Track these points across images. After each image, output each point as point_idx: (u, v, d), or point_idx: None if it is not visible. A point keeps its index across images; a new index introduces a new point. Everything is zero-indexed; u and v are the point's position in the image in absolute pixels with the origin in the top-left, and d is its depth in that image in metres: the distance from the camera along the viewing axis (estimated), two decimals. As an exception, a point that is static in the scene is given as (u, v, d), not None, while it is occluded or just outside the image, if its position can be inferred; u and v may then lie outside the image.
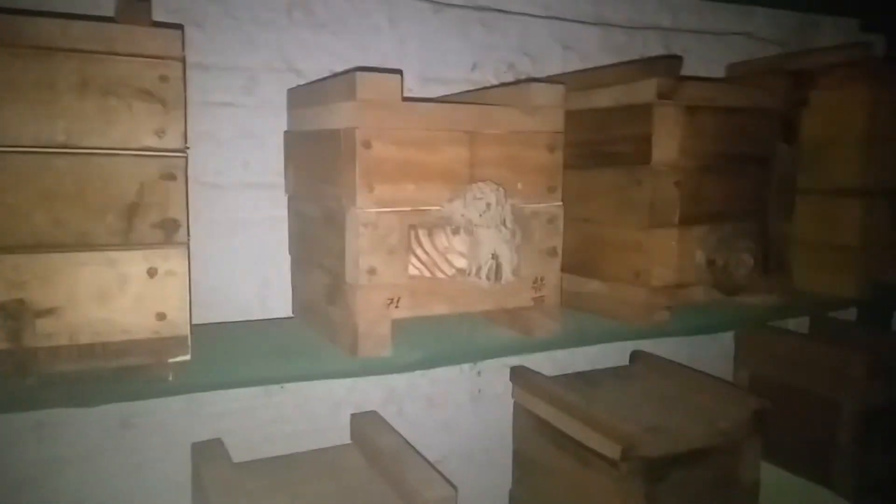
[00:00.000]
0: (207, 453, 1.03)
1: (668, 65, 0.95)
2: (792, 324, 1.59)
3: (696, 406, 1.21)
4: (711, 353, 1.57)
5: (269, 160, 1.11)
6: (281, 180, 1.11)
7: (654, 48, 1.41)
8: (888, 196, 1.19)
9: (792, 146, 1.08)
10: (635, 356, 1.41)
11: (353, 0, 1.15)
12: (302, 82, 1.11)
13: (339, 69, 1.14)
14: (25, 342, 0.71)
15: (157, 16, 1.01)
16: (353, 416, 1.19)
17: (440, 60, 1.23)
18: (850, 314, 1.60)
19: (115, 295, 0.74)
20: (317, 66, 1.13)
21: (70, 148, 0.71)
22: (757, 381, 1.49)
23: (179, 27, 0.74)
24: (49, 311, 0.72)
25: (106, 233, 0.73)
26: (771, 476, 1.32)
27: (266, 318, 1.14)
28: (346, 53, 1.15)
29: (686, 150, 0.99)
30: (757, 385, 1.48)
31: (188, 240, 0.77)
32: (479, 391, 1.37)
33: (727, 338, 1.57)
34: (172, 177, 0.74)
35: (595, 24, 1.35)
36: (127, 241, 0.74)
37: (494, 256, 0.85)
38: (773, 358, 1.45)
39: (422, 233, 0.86)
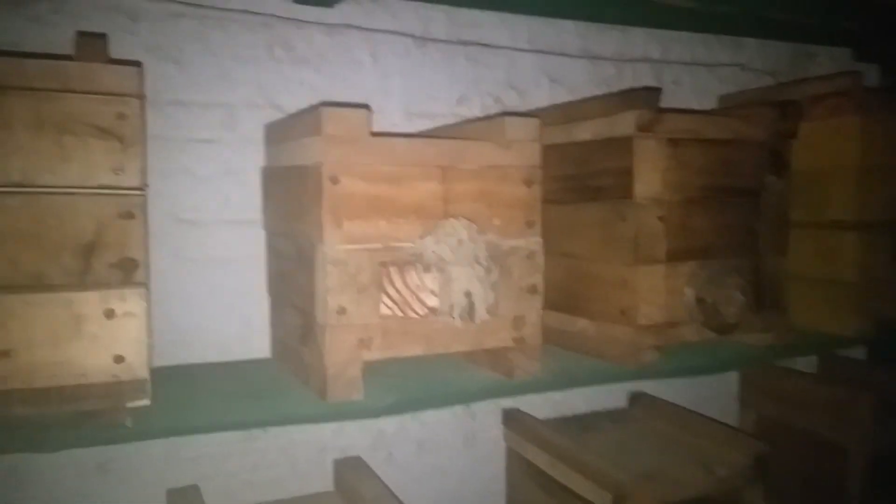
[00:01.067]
0: (182, 501, 1.00)
1: (646, 97, 0.92)
2: (800, 363, 1.53)
3: (695, 451, 1.16)
4: (717, 393, 1.51)
5: (250, 196, 1.10)
6: (260, 217, 1.09)
7: (644, 80, 1.39)
8: (885, 228, 1.15)
9: (782, 178, 1.05)
10: (634, 398, 1.36)
11: (334, 35, 1.14)
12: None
13: (321, 105, 1.13)
14: (-24, 386, 0.68)
15: (136, 54, 1.01)
16: (336, 461, 1.15)
17: (425, 95, 1.22)
18: (861, 352, 1.54)
19: (71, 337, 0.72)
20: (298, 102, 1.12)
21: (25, 186, 0.69)
22: (763, 422, 1.43)
23: (138, 64, 0.73)
24: (3, 354, 0.70)
25: (62, 273, 0.71)
26: (778, 524, 1.25)
27: (247, 358, 1.11)
28: (328, 89, 1.14)
29: (670, 183, 0.96)
30: (763, 427, 1.42)
31: (147, 280, 0.74)
32: (473, 435, 1.32)
33: (733, 378, 1.52)
34: (131, 215, 0.73)
35: (582, 57, 1.34)
36: (83, 281, 0.72)
37: (467, 295, 0.82)
38: (780, 399, 1.40)
39: (393, 270, 0.83)
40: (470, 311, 0.82)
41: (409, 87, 1.20)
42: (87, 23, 0.99)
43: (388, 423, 1.25)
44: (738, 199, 1.03)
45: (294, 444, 1.18)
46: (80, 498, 1.04)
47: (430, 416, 1.28)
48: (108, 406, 0.74)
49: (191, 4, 1.04)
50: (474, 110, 1.25)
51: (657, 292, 0.96)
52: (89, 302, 0.72)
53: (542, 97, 1.29)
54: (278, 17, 1.10)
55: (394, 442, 1.26)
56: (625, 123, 0.92)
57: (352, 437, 1.22)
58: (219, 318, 1.10)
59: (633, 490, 0.99)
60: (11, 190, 0.69)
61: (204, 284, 1.09)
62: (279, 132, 1.00)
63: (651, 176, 0.94)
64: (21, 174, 0.69)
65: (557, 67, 1.32)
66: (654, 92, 0.93)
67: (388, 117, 1.18)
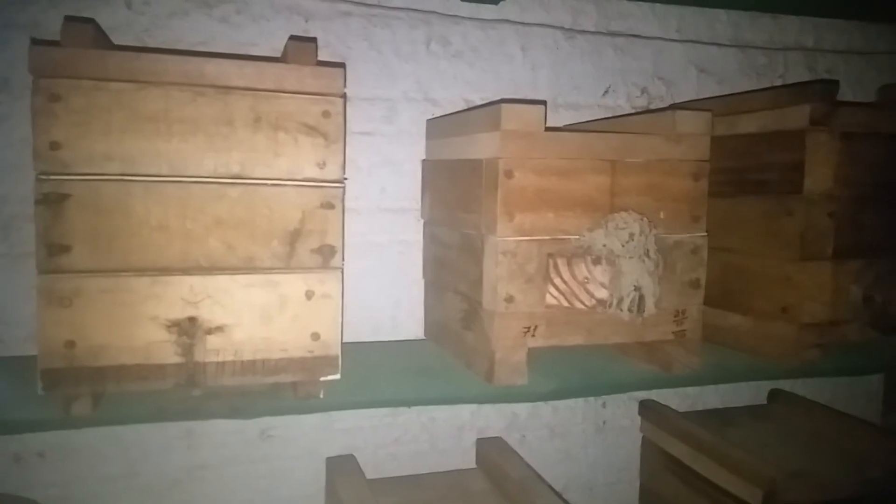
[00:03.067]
0: (342, 468, 1.07)
1: (822, 89, 0.90)
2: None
3: (843, 451, 1.13)
4: (855, 393, 1.47)
5: (405, 186, 1.15)
6: (413, 205, 1.15)
7: (797, 70, 1.35)
8: None
9: (962, 175, 1.00)
10: (774, 395, 1.33)
11: (488, 30, 1.17)
12: (437, 111, 1.14)
13: (472, 98, 1.17)
14: (196, 357, 0.77)
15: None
16: (479, 440, 1.20)
17: (571, 86, 1.23)
18: None
19: (276, 315, 0.79)
20: (451, 95, 1.16)
21: (243, 178, 0.76)
22: (910, 426, 1.37)
23: (342, 66, 0.78)
24: (218, 329, 0.77)
25: (270, 257, 0.78)
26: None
27: (397, 338, 1.18)
28: (480, 82, 1.18)
29: (841, 178, 0.93)
30: (910, 431, 1.36)
31: (342, 265, 0.81)
32: (604, 423, 1.34)
33: (875, 378, 1.46)
34: (331, 206, 0.79)
35: (732, 45, 1.31)
36: (288, 265, 0.78)
37: (637, 288, 0.84)
38: (930, 402, 1.34)
39: (560, 262, 0.85)
40: (640, 304, 0.84)
41: (557, 79, 1.22)
42: (267, 23, 1.07)
43: (522, 408, 1.29)
44: (912, 195, 0.99)
45: (434, 422, 1.23)
46: (244, 461, 1.13)
47: (563, 402, 1.31)
48: (304, 378, 0.81)
49: (360, 4, 1.10)
50: (620, 101, 1.26)
51: (823, 290, 0.94)
52: (292, 284, 0.79)
53: (690, 88, 1.28)
54: (439, 13, 1.14)
55: (527, 425, 1.29)
56: (798, 116, 0.91)
57: (488, 418, 1.26)
58: (373, 300, 1.17)
59: (784, 487, 0.99)
60: (232, 181, 0.76)
61: (360, 268, 1.15)
62: (445, 127, 1.04)
63: (822, 171, 0.92)
64: (240, 167, 0.76)
65: (706, 57, 1.30)
66: (832, 85, 0.91)
67: (536, 109, 1.20)
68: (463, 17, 1.16)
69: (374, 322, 1.18)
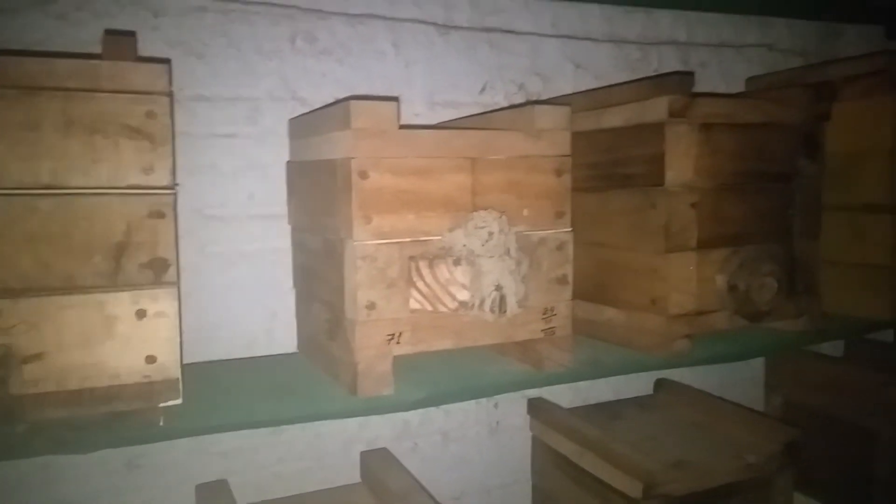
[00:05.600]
0: (211, 495, 1.01)
1: (679, 81, 0.91)
2: (826, 347, 1.51)
3: (723, 438, 1.15)
4: (742, 378, 1.51)
5: (274, 190, 1.09)
6: (285, 210, 1.09)
7: (670, 64, 1.36)
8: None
9: (815, 162, 1.03)
10: (659, 385, 1.35)
11: (357, 26, 1.13)
12: (306, 111, 1.09)
13: (343, 96, 1.12)
14: (12, 389, 0.68)
15: (159, 49, 1.00)
16: (363, 453, 1.15)
17: (448, 83, 1.20)
18: (888, 335, 1.52)
19: (103, 338, 0.72)
20: (320, 94, 1.11)
21: (55, 188, 0.69)
22: (790, 407, 1.42)
23: (166, 62, 0.72)
24: (36, 357, 0.70)
25: (93, 274, 0.71)
26: (807, 510, 1.25)
27: (274, 352, 1.11)
28: (351, 80, 1.13)
29: (702, 169, 0.94)
30: (790, 412, 1.41)
31: (178, 280, 0.74)
32: (497, 424, 1.32)
33: (758, 363, 1.51)
34: (161, 215, 0.72)
35: (607, 41, 1.31)
36: (114, 282, 0.71)
37: (498, 288, 0.81)
38: (807, 383, 1.39)
39: (422, 264, 0.82)
40: (501, 304, 0.81)
41: (432, 76, 1.19)
42: (111, 19, 0.98)
43: (414, 415, 1.25)
44: (771, 183, 1.01)
45: (320, 437, 1.18)
46: (109, 494, 1.04)
47: (455, 406, 1.28)
48: (140, 406, 0.74)
49: (213, -2, 1.03)
50: (497, 98, 1.24)
51: (688, 280, 0.95)
52: (121, 303, 0.72)
53: (567, 83, 1.27)
54: (300, 8, 1.08)
55: (419, 433, 1.26)
56: (656, 109, 0.91)
57: (378, 428, 1.22)
58: (244, 313, 1.10)
59: (664, 479, 0.99)
60: (41, 192, 0.68)
61: (229, 279, 1.08)
62: (304, 127, 0.99)
63: (683, 162, 0.92)
64: (51, 176, 0.68)
65: (582, 52, 1.29)
66: (687, 77, 0.91)
67: (411, 107, 1.16)
68: (329, 12, 1.11)
69: (247, 337, 1.11)
